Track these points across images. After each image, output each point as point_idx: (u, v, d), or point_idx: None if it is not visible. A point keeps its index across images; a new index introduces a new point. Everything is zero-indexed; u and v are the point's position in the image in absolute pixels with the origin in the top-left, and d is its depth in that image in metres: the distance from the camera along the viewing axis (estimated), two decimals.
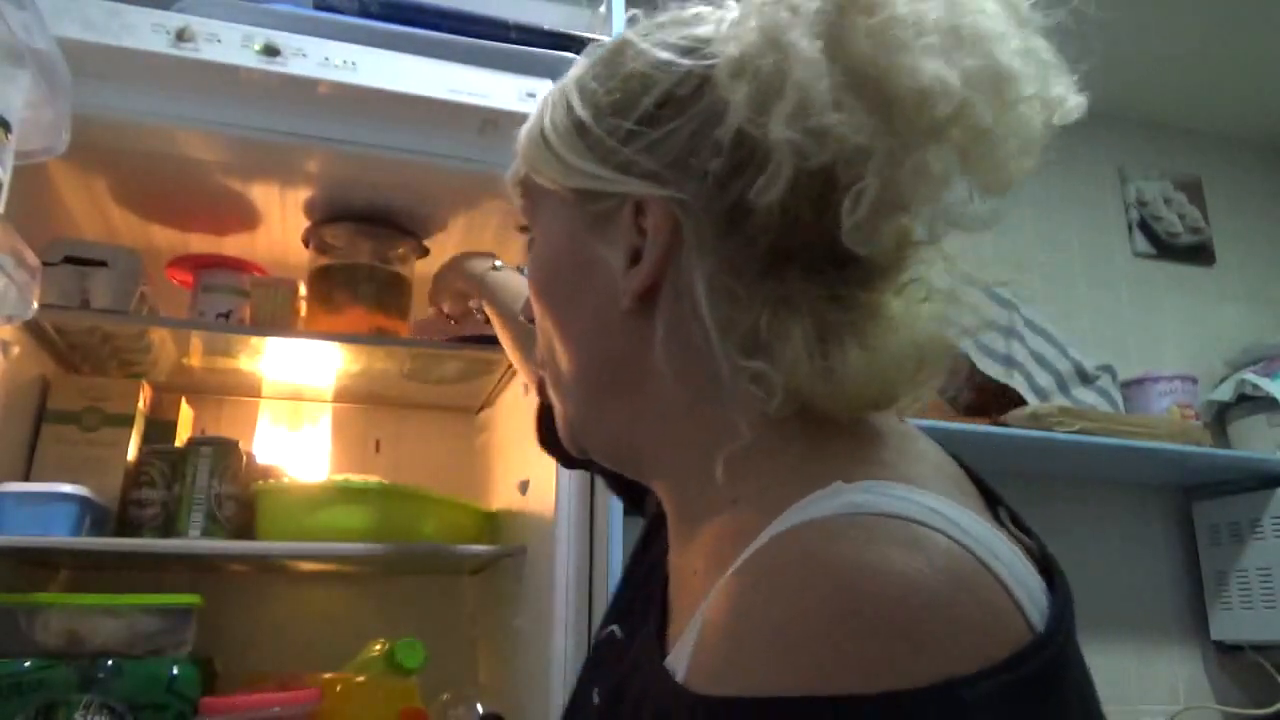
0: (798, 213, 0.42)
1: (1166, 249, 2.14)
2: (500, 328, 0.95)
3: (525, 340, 0.89)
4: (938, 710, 0.30)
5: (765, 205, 0.41)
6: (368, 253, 1.18)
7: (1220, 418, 1.97)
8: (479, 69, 1.01)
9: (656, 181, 0.45)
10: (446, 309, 1.10)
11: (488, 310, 0.98)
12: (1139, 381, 1.89)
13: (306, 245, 1.21)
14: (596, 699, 0.52)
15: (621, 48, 0.49)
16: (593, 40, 1.05)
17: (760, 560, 0.36)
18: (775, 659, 0.32)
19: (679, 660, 0.38)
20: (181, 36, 0.90)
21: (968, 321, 0.45)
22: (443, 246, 1.25)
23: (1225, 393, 1.94)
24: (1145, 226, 2.13)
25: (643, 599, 0.54)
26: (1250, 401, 1.90)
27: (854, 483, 0.37)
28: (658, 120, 0.46)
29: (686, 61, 0.45)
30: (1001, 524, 0.41)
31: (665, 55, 0.46)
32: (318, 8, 1.03)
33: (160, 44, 0.90)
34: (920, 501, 0.36)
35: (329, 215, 1.19)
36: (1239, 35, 1.94)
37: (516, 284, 0.94)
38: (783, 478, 0.41)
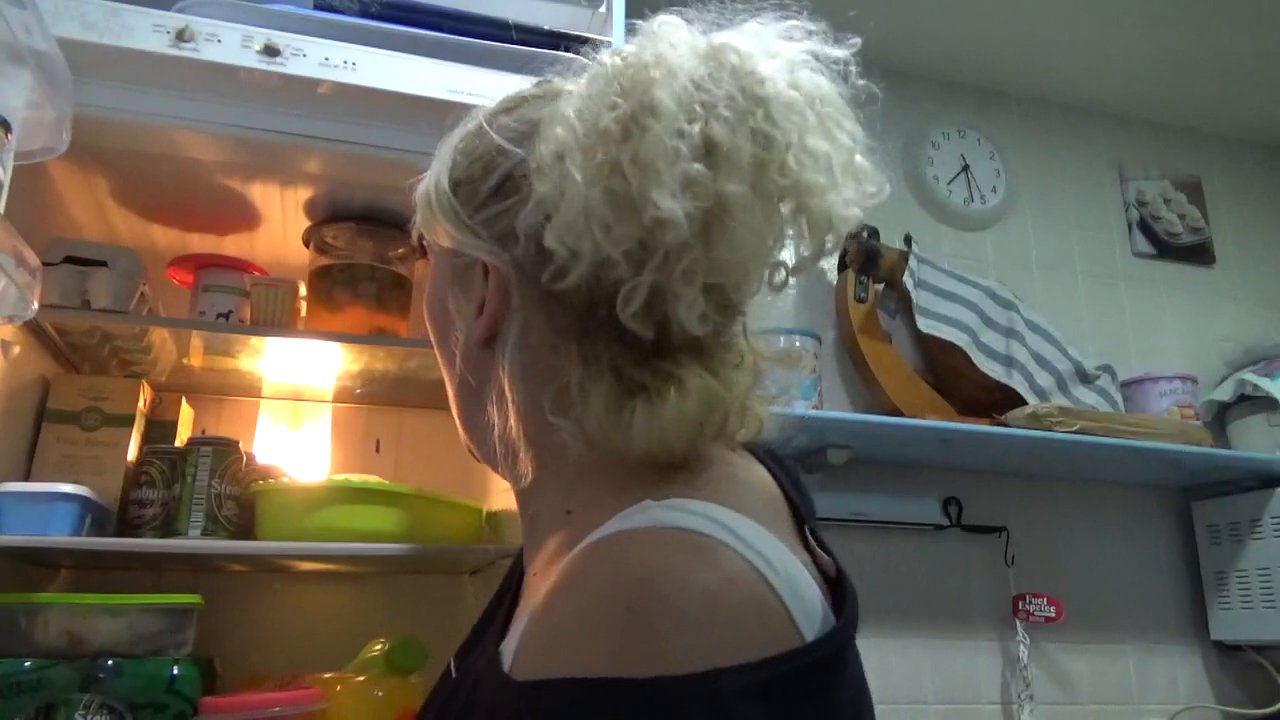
0: (595, 297, 0.48)
1: (1166, 249, 2.14)
2: None
3: None
4: (697, 695, 0.35)
5: (564, 290, 0.47)
6: (368, 253, 1.18)
7: (1220, 418, 1.97)
8: (479, 69, 1.00)
9: (492, 251, 0.53)
10: None
11: None
12: (1139, 381, 1.89)
13: (307, 245, 1.21)
14: (454, 673, 0.59)
15: (478, 128, 0.56)
16: (593, 40, 1.05)
17: (571, 567, 0.42)
18: (568, 646, 0.38)
19: (508, 650, 0.44)
20: (181, 36, 0.90)
21: (771, 389, 0.52)
22: None
23: (1225, 393, 1.94)
24: (1145, 226, 2.13)
25: (500, 595, 0.63)
26: (1250, 401, 1.90)
27: (661, 500, 0.43)
28: (496, 197, 0.53)
29: (519, 150, 0.52)
30: (805, 542, 0.47)
31: (501, 142, 0.53)
32: (318, 8, 1.03)
33: (160, 44, 0.90)
34: (713, 517, 0.41)
35: (329, 215, 1.19)
36: (1239, 35, 1.94)
37: None
38: (607, 495, 0.47)
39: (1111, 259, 2.10)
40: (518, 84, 1.07)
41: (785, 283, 0.50)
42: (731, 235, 0.45)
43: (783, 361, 0.54)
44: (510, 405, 0.53)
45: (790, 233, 0.48)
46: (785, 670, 0.37)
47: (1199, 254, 2.16)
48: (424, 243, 0.62)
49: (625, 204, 0.44)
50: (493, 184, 0.53)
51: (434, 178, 0.57)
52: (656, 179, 0.43)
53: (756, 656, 0.36)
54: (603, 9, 1.16)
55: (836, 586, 0.44)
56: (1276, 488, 1.74)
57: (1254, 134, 2.29)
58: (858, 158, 0.48)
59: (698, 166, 0.44)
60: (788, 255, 0.50)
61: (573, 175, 0.45)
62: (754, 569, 0.39)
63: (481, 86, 0.99)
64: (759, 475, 0.52)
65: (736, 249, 0.45)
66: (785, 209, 0.47)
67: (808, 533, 0.49)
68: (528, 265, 0.51)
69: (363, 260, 1.18)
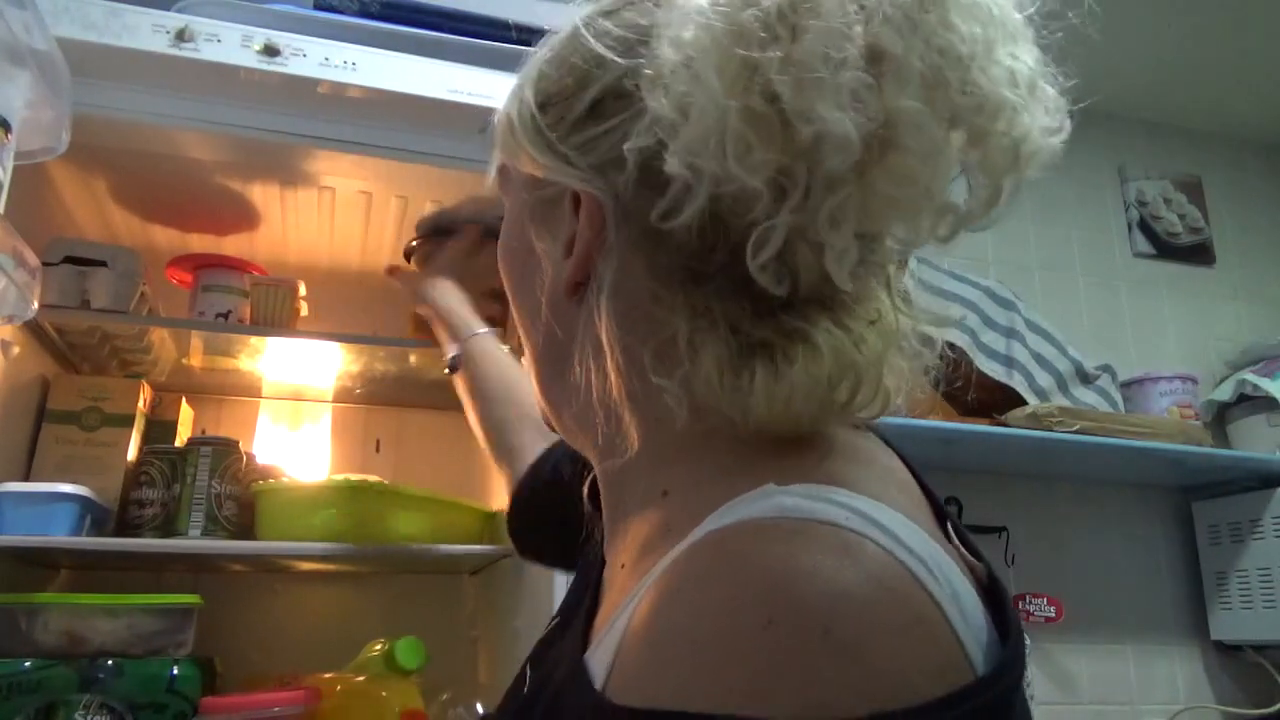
0: (714, 238, 0.40)
1: (1166, 249, 2.14)
2: (469, 403, 0.89)
3: (498, 430, 0.85)
4: None
5: (677, 227, 0.40)
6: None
7: (1220, 418, 1.97)
8: (479, 69, 1.00)
9: (587, 177, 0.44)
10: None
11: (458, 381, 0.91)
12: (1139, 381, 1.89)
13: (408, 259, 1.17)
14: (529, 683, 0.51)
15: (572, 35, 0.47)
16: None
17: (684, 564, 0.34)
18: (685, 670, 0.30)
19: (598, 661, 0.37)
20: (181, 36, 0.90)
21: (913, 348, 0.43)
22: None
23: (1225, 393, 1.94)
24: (1145, 226, 2.13)
25: (579, 588, 0.54)
26: (1250, 401, 1.90)
27: (787, 485, 0.35)
28: (593, 117, 0.44)
29: (623, 61, 0.43)
30: (950, 542, 0.38)
31: (603, 51, 0.44)
32: (318, 8, 1.03)
33: (160, 44, 0.90)
34: (856, 507, 0.33)
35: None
36: (1239, 35, 1.94)
37: (497, 361, 0.88)
38: (715, 474, 0.40)
39: (1111, 259, 2.10)
40: None
41: (953, 235, 0.40)
42: (899, 164, 0.36)
43: (934, 321, 0.44)
44: (610, 360, 0.45)
45: (960, 170, 0.39)
46: (960, 714, 0.29)
47: (1199, 254, 2.16)
48: (501, 178, 0.54)
49: (772, 120, 0.36)
50: (590, 100, 0.45)
51: (517, 95, 0.49)
52: (818, 87, 0.35)
53: (926, 695, 0.28)
54: None
55: (991, 596, 0.36)
56: (1276, 488, 1.74)
57: (1254, 134, 2.29)
58: (1041, 82, 0.39)
59: (864, 76, 0.35)
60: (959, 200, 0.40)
61: (708, 82, 0.37)
62: (914, 577, 0.31)
63: (481, 86, 0.99)
64: (889, 459, 0.43)
65: (904, 183, 0.36)
66: (959, 138, 0.37)
67: (950, 530, 0.40)
68: (630, 197, 0.43)
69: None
